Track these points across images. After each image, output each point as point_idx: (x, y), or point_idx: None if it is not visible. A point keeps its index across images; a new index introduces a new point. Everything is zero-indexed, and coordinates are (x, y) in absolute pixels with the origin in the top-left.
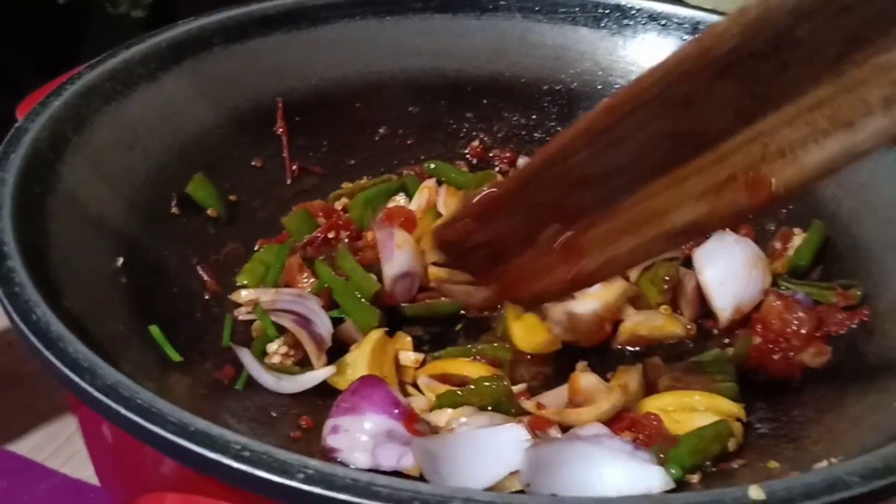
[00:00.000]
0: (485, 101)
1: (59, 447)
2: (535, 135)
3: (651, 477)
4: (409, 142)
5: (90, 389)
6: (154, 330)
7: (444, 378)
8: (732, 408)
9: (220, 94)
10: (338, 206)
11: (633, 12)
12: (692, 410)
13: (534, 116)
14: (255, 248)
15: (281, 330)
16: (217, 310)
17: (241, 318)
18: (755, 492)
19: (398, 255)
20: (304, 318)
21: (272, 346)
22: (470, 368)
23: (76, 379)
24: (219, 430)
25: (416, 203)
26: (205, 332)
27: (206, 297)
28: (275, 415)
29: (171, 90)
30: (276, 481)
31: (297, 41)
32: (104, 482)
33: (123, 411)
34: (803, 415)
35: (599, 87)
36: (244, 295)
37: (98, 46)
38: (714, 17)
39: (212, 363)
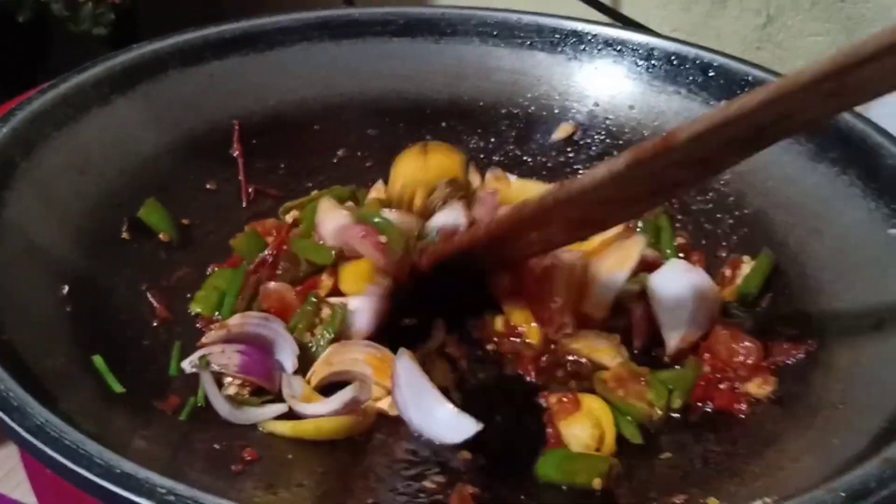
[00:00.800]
0: (443, 124)
1: (11, 470)
2: (494, 157)
3: None
4: (367, 164)
5: (18, 429)
6: (97, 360)
7: None
8: (610, 439)
9: (174, 117)
10: (288, 219)
11: (589, 38)
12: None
13: (492, 139)
14: (207, 272)
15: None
16: (165, 337)
17: (188, 370)
18: None
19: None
20: (263, 347)
21: (227, 378)
22: None
23: (5, 418)
24: (146, 474)
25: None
26: (151, 361)
27: (155, 325)
28: (217, 447)
29: (124, 114)
30: None
31: (254, 64)
32: None
33: (49, 452)
34: (748, 447)
35: (556, 111)
36: (213, 335)
37: (60, 64)
38: (668, 43)
39: (156, 393)
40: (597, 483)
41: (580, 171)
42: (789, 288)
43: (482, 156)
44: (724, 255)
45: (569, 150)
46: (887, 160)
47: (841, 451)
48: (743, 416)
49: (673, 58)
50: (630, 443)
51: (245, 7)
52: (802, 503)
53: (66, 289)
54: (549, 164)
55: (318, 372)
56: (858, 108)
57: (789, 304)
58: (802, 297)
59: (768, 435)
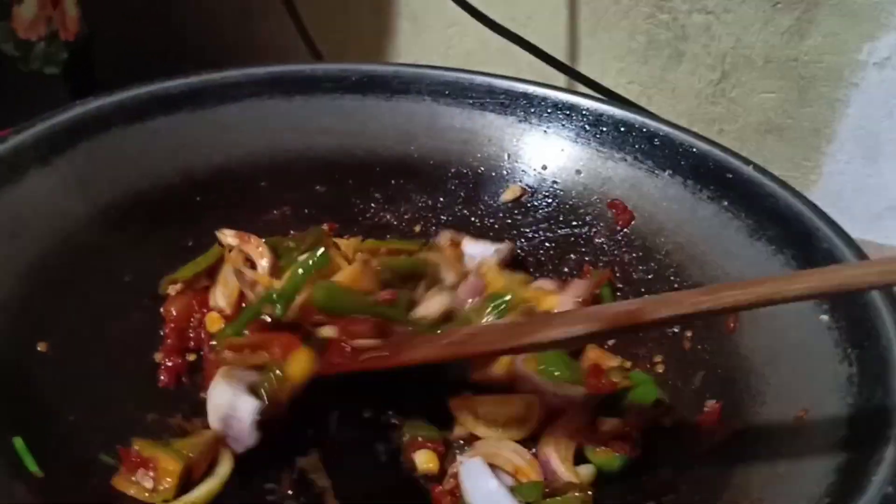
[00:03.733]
0: (393, 182)
1: None
2: (442, 217)
3: None
4: (315, 222)
5: None
6: (17, 441)
7: None
8: None
9: (116, 175)
10: (171, 292)
11: (539, 101)
12: None
13: (441, 199)
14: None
15: None
16: (90, 411)
17: None
18: None
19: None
20: None
21: None
22: None
23: None
24: None
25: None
26: (74, 441)
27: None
28: None
29: (63, 174)
30: None
31: (201, 120)
32: None
33: None
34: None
35: (505, 172)
36: None
37: (10, 104)
38: (615, 110)
39: (74, 477)
40: None
41: (527, 233)
42: (722, 367)
43: (430, 215)
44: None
45: (516, 212)
46: (822, 243)
47: None
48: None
49: (620, 125)
50: None
51: (202, 46)
52: None
53: None
54: (497, 226)
55: None
56: (799, 188)
57: (719, 383)
58: (733, 377)
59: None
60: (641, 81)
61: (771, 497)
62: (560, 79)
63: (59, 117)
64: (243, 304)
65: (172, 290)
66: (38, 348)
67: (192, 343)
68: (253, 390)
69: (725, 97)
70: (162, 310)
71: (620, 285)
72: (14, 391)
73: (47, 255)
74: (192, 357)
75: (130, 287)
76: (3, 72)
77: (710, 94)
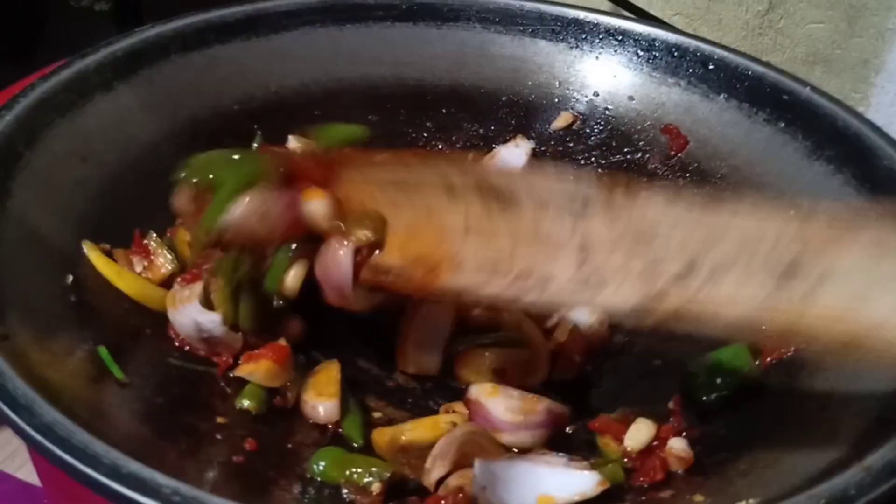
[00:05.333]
0: (444, 111)
1: (15, 451)
2: (494, 145)
3: (585, 481)
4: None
5: (26, 428)
6: (102, 351)
7: None
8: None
9: (176, 102)
10: None
11: (591, 27)
12: None
13: (492, 127)
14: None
15: None
16: (167, 326)
17: None
18: None
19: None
20: None
21: None
22: None
23: (13, 416)
24: (150, 473)
25: None
26: (153, 351)
27: (158, 312)
28: (219, 437)
29: (126, 100)
30: None
31: (257, 48)
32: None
33: (58, 452)
34: (734, 444)
35: (556, 100)
36: None
37: (61, 40)
38: (669, 35)
39: (156, 383)
40: (376, 487)
41: (579, 161)
42: None
43: (482, 143)
44: None
45: (568, 139)
46: (882, 161)
47: (824, 454)
48: (734, 410)
49: (674, 49)
50: None
51: None
52: None
53: (70, 278)
54: (549, 154)
55: None
56: (859, 109)
57: None
58: None
59: (757, 430)
60: (688, 13)
61: (837, 400)
62: (606, 8)
63: (119, 44)
64: None
65: None
66: None
67: None
68: None
69: (773, 28)
70: None
71: None
72: (94, 307)
73: (116, 178)
74: None
75: None
76: (54, 8)
77: (756, 25)
